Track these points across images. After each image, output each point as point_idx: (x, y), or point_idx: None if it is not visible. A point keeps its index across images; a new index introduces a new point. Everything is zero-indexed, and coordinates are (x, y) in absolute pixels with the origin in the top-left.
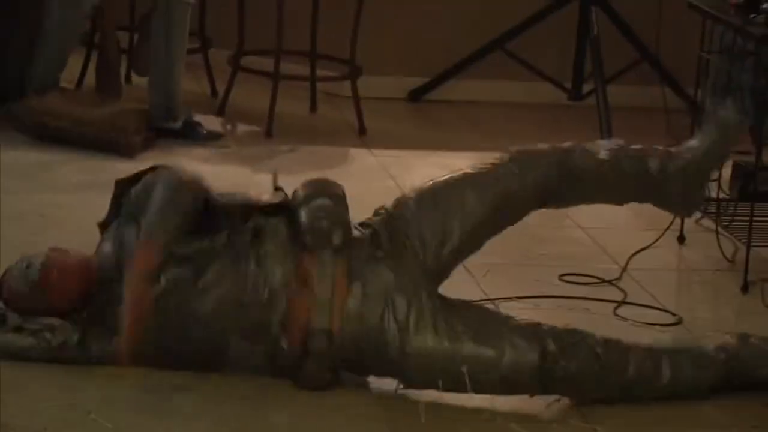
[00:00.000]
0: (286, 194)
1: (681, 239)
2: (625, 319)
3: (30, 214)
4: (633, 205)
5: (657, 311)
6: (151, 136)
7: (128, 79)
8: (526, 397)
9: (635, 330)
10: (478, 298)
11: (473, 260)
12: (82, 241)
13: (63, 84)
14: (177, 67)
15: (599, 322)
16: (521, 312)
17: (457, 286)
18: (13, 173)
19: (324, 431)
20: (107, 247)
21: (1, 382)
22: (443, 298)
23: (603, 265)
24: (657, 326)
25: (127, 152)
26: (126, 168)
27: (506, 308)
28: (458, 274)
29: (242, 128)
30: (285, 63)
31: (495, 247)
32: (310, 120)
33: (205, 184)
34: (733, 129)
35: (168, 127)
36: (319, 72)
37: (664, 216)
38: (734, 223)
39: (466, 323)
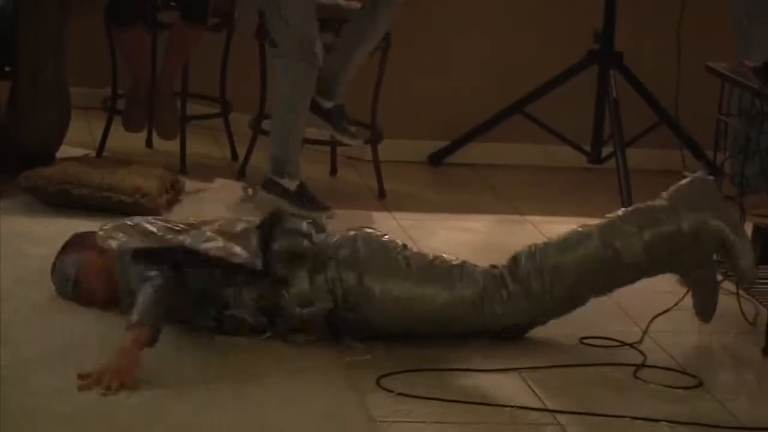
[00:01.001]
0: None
1: None
2: (646, 382)
3: (49, 276)
4: None
5: (677, 374)
6: (174, 197)
7: (149, 143)
8: None
9: (655, 392)
10: (500, 367)
11: None
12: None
13: (84, 150)
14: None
15: (619, 385)
16: (537, 374)
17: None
18: (36, 239)
19: None
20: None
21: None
22: None
23: (624, 327)
24: (677, 389)
25: (151, 215)
26: None
27: (528, 375)
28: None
29: (263, 192)
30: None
31: None
32: (331, 183)
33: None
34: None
35: (282, 185)
36: None
37: None
38: (755, 286)
39: None
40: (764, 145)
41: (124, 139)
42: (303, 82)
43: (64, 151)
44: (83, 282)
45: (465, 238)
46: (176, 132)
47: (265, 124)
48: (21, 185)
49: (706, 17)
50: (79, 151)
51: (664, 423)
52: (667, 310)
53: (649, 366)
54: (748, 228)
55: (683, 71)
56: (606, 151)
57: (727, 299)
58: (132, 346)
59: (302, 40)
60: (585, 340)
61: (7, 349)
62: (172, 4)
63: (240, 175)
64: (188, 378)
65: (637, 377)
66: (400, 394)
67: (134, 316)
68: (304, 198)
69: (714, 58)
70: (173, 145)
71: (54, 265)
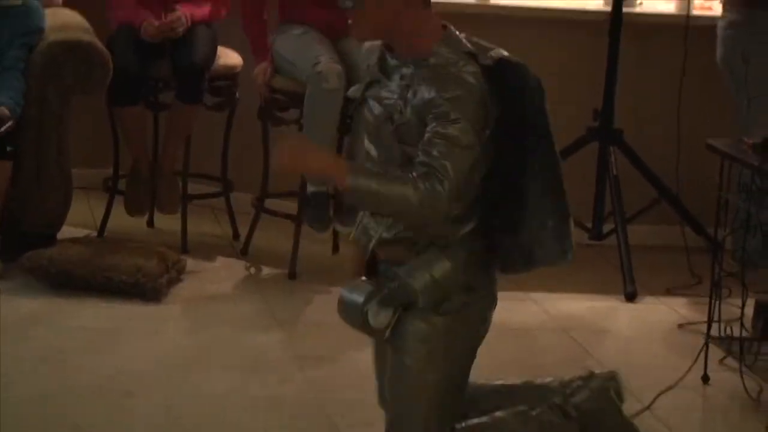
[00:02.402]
0: None
1: (705, 378)
2: None
3: (51, 359)
4: (657, 345)
5: None
6: (175, 276)
7: (150, 223)
8: None
9: None
10: None
11: None
12: (104, 385)
13: (86, 231)
14: None
15: None
16: None
17: None
18: (35, 320)
19: None
20: None
21: None
22: None
23: (626, 404)
24: None
25: (153, 296)
26: (152, 312)
27: None
28: None
29: (266, 270)
30: None
31: None
32: (333, 261)
33: None
34: None
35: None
36: None
37: (688, 355)
38: (758, 362)
39: None
40: (765, 220)
41: (125, 219)
42: (321, 103)
43: (66, 231)
44: None
45: None
46: (178, 207)
47: (269, 203)
48: (23, 266)
49: (706, 94)
50: (80, 232)
51: None
52: (670, 387)
53: None
54: (751, 304)
55: (683, 148)
56: (607, 227)
57: (730, 376)
58: (329, 166)
59: (318, 72)
60: None
61: None
62: (172, 84)
63: (243, 253)
64: None
65: None
66: None
67: (362, 173)
68: (311, 204)
69: (714, 134)
70: (174, 225)
71: None
